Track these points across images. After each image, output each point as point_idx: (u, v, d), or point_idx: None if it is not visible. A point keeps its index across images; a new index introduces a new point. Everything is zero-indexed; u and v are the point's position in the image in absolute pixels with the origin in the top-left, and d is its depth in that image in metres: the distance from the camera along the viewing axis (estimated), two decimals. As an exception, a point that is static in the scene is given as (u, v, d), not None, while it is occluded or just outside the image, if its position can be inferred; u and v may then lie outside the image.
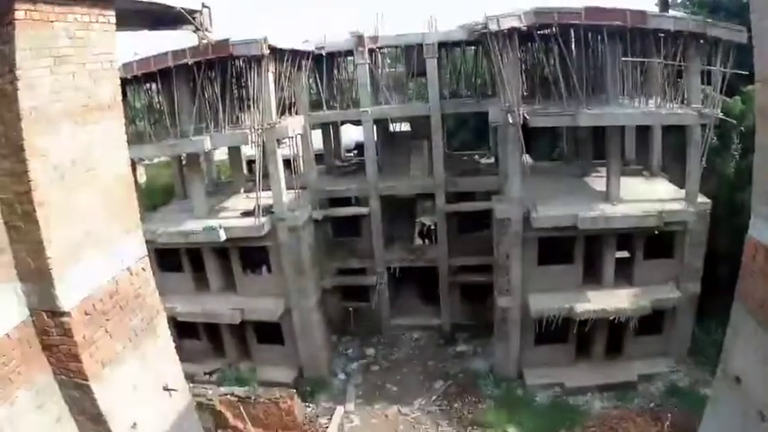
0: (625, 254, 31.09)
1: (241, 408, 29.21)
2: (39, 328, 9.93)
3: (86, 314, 10.14)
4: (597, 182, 33.11)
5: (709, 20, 27.88)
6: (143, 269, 11.94)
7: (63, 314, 9.73)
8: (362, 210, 37.74)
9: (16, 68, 8.67)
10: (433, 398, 32.52)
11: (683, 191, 29.45)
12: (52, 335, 9.89)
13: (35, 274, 9.49)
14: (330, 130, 43.43)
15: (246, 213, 32.40)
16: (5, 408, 9.28)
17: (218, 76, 31.22)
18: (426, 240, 44.01)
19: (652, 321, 30.19)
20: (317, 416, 31.43)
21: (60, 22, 9.56)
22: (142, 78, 30.62)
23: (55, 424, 10.35)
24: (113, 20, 10.88)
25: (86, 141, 10.23)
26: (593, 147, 35.60)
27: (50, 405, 10.26)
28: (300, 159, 35.62)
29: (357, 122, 39.81)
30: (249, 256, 33.37)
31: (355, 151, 52.29)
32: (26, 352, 9.79)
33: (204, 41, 27.19)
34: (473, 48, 39.86)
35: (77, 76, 9.92)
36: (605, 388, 30.51)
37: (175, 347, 13.29)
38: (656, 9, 37.53)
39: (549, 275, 30.46)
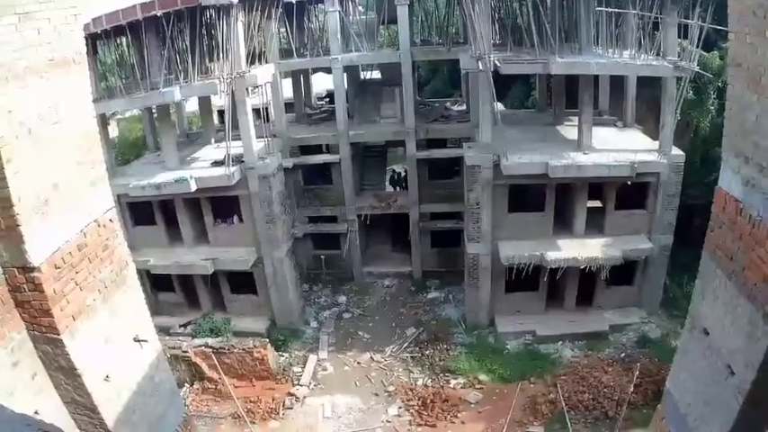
0: (597, 204, 31.41)
1: (215, 358, 29.43)
2: (11, 284, 9.89)
3: (56, 268, 10.12)
4: (570, 131, 33.30)
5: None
6: (110, 221, 11.89)
7: (33, 269, 9.68)
8: (333, 157, 37.92)
9: (-20, 27, 8.62)
10: (405, 345, 33.09)
11: (657, 143, 29.60)
12: (24, 291, 9.87)
13: (4, 232, 9.46)
14: (300, 79, 43.46)
15: (217, 163, 32.46)
16: (-18, 366, 9.34)
17: (188, 26, 30.92)
18: (397, 188, 44.17)
19: (624, 272, 30.81)
20: (291, 364, 32.12)
21: (23, -23, 9.41)
22: (112, 32, 30.24)
23: (31, 381, 10.37)
24: (78, -26, 10.77)
25: (52, 96, 10.13)
26: (566, 96, 35.71)
27: (26, 362, 10.27)
28: (270, 108, 35.50)
29: (328, 71, 39.76)
30: (221, 206, 33.52)
31: (326, 99, 52.16)
32: (0, 310, 9.82)
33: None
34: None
35: (42, 32, 9.84)
36: (577, 337, 31.07)
37: (151, 301, 13.40)
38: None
39: (520, 223, 30.84)
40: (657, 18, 27.79)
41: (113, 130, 49.97)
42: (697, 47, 27.25)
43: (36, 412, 9.60)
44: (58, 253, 10.18)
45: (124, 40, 33.73)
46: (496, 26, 34.64)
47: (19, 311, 10.16)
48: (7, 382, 9.74)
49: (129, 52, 34.24)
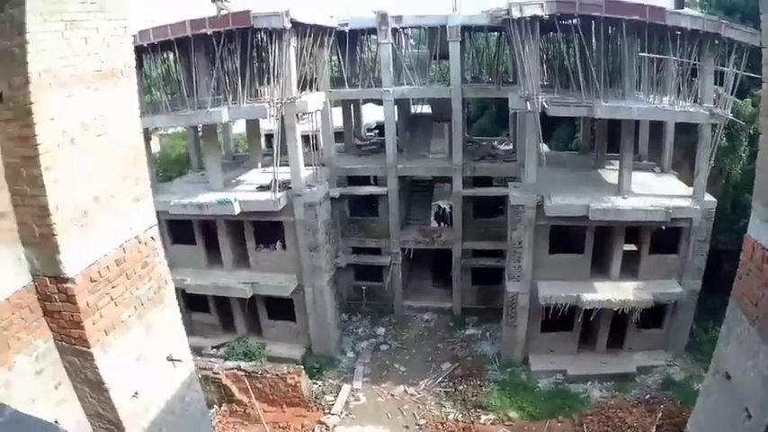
0: (632, 247, 31.18)
1: (247, 382, 29.32)
2: (41, 293, 9.84)
3: (91, 281, 10.04)
4: (610, 174, 33.32)
5: (725, 21, 27.77)
6: (152, 238, 11.84)
7: (66, 280, 9.61)
8: (380, 190, 37.70)
9: (26, 32, 8.56)
10: (440, 379, 32.71)
11: (691, 188, 29.55)
12: (54, 301, 9.80)
13: (39, 240, 9.40)
14: (351, 109, 43.54)
15: (262, 188, 32.52)
16: (3, 372, 9.21)
17: (239, 47, 31.00)
18: (442, 223, 44.06)
19: (653, 315, 30.55)
20: (324, 393, 31.88)
21: (72, -14, 9.39)
22: (159, 47, 30.45)
23: (53, 390, 10.30)
24: (128, -15, 10.77)
25: (98, 107, 10.10)
26: (607, 139, 35.57)
27: (50, 371, 10.20)
28: (320, 136, 35.57)
29: (378, 102, 39.79)
30: (263, 231, 33.45)
31: (376, 131, 52.20)
32: (26, 317, 9.72)
33: (223, 12, 27.12)
34: (496, 34, 39.60)
35: (90, 41, 9.81)
36: (605, 378, 30.90)
37: (185, 321, 13.26)
38: (672, 6, 37.37)
39: (559, 264, 30.69)
40: (695, 65, 27.66)
41: (155, 146, 50.25)
42: (731, 94, 27.26)
43: (56, 422, 9.49)
44: (95, 266, 10.11)
45: (171, 55, 33.90)
46: (544, 67, 34.54)
47: (47, 320, 10.08)
48: (29, 390, 9.66)
49: (175, 68, 34.38)
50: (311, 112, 32.52)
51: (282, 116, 30.62)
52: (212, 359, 31.84)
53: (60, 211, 9.27)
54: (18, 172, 9.16)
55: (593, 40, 29.12)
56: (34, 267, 9.71)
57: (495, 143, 43.56)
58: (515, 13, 26.96)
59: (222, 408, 29.85)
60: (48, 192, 9.03)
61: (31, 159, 8.93)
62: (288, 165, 31.50)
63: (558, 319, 30.38)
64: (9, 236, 9.46)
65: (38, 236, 9.35)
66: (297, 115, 31.19)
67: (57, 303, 9.81)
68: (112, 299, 10.59)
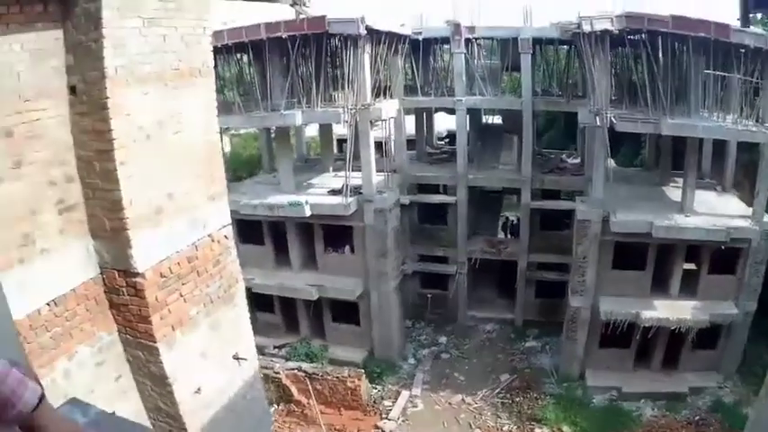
0: (691, 266, 30.86)
1: (308, 383, 29.45)
2: (108, 286, 9.97)
3: (162, 277, 10.14)
4: (673, 192, 33.09)
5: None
6: (225, 237, 11.95)
7: (136, 275, 9.71)
8: (450, 198, 37.73)
9: (102, 26, 8.68)
10: (497, 390, 32.68)
11: (751, 209, 29.13)
12: (122, 294, 9.92)
13: (110, 233, 9.52)
14: (423, 117, 43.69)
15: (334, 192, 32.69)
16: (63, 361, 9.36)
17: (313, 52, 31.19)
18: (509, 235, 43.91)
19: (708, 336, 30.13)
20: (382, 398, 32.05)
21: (150, -17, 9.54)
22: (233, 48, 30.85)
23: (114, 382, 10.42)
24: (207, -16, 10.91)
25: (175, 105, 10.23)
26: (672, 156, 35.18)
27: (111, 363, 10.33)
28: (392, 143, 35.65)
29: (450, 111, 39.83)
30: (332, 234, 33.62)
31: (447, 140, 52.14)
32: (91, 308, 9.85)
33: (301, 16, 27.30)
34: (566, 47, 39.40)
35: (168, 39, 9.93)
36: (658, 397, 30.63)
37: (250, 320, 13.36)
38: (738, 24, 36.81)
39: (621, 280, 30.47)
40: (758, 83, 27.22)
41: (226, 146, 50.83)
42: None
43: (113, 413, 9.70)
44: (166, 262, 10.23)
45: (245, 57, 34.23)
46: (613, 81, 34.35)
47: (113, 313, 10.22)
48: (88, 380, 9.79)
49: (249, 70, 34.71)
50: (385, 119, 32.62)
51: (356, 122, 30.76)
52: (274, 359, 32.09)
53: (133, 207, 9.39)
54: (91, 165, 9.30)
55: (660, 56, 28.85)
56: (103, 260, 9.84)
57: (564, 156, 43.36)
58: (585, 28, 26.98)
59: (280, 407, 30.10)
60: (121, 186, 9.16)
61: (106, 153, 9.07)
62: (360, 170, 31.62)
63: (616, 336, 30.16)
64: (79, 228, 9.61)
65: (109, 229, 9.48)
66: (370, 122, 31.32)
67: (124, 297, 9.93)
68: (182, 295, 10.70)
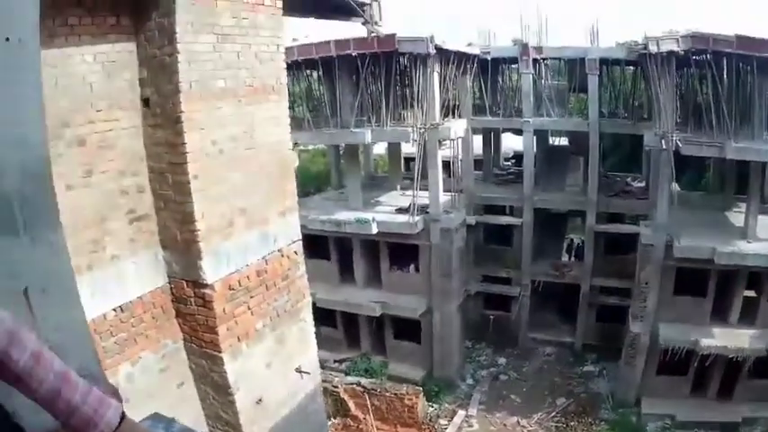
0: (751, 293, 30.22)
1: (366, 398, 29.51)
2: (176, 295, 10.16)
3: (230, 289, 10.30)
4: (737, 217, 32.26)
5: None
6: (295, 252, 12.10)
7: (205, 286, 9.88)
8: (516, 220, 37.68)
9: (176, 41, 8.89)
10: (552, 414, 32.43)
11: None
12: (190, 304, 10.09)
13: (181, 244, 9.70)
14: (491, 137, 43.45)
15: (401, 210, 32.76)
16: (126, 366, 9.55)
17: (383, 70, 31.35)
18: (573, 257, 43.62)
19: (765, 365, 29.29)
20: (438, 416, 31.99)
21: (224, 1, 9.77)
22: (303, 64, 31.06)
23: (175, 389, 10.58)
24: (280, 4, 11.06)
25: (249, 121, 10.41)
26: (736, 181, 34.68)
27: (174, 370, 10.52)
28: (459, 163, 35.66)
29: (517, 131, 39.72)
30: (397, 252, 33.68)
31: (513, 160, 51.99)
32: (158, 316, 10.04)
33: (372, 34, 27.49)
34: (632, 67, 39.11)
35: (242, 56, 10.13)
36: (711, 426, 29.95)
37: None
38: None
39: (681, 306, 29.94)
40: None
41: (295, 161, 51.20)
42: None
43: (173, 419, 9.82)
44: (236, 275, 10.40)
45: (315, 73, 34.50)
46: (678, 103, 34.04)
47: (179, 322, 10.41)
48: (151, 385, 9.96)
49: (318, 86, 34.99)
50: (453, 139, 32.70)
51: (425, 141, 30.85)
52: (333, 372, 32.17)
53: (205, 219, 9.58)
54: (164, 177, 9.51)
55: (725, 78, 28.57)
56: (172, 270, 10.03)
57: (629, 180, 43.00)
58: (652, 48, 26.74)
59: (336, 421, 30.17)
60: (194, 199, 9.34)
61: (179, 166, 9.27)
62: (427, 189, 31.69)
63: (673, 362, 29.71)
64: (149, 237, 9.83)
65: (180, 240, 9.67)
66: (439, 141, 31.39)
67: (192, 307, 10.11)
68: (249, 308, 10.86)
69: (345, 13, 12.40)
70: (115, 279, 9.29)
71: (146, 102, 9.50)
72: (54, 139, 8.00)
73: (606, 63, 37.02)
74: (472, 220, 36.65)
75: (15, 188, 2.43)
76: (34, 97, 2.59)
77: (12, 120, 2.45)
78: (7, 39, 2.39)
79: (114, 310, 9.32)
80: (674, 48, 26.56)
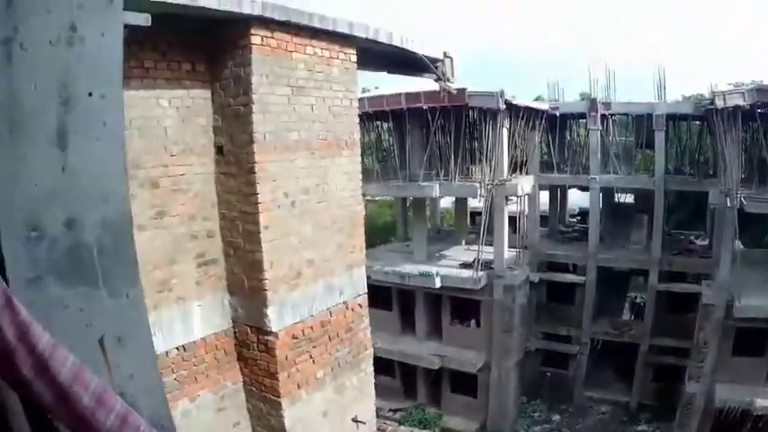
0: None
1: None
2: (239, 340, 10.29)
3: (293, 338, 10.40)
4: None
5: None
6: (360, 305, 12.18)
7: (269, 333, 10.00)
8: (579, 278, 37.14)
9: (251, 92, 9.09)
10: (605, 472, 31.56)
11: None
12: (252, 349, 10.20)
13: (247, 291, 9.83)
14: (557, 192, 43.23)
15: (465, 265, 32.69)
16: (185, 402, 9.69)
17: (452, 124, 31.47)
18: (632, 316, 43.16)
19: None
20: (488, 469, 31.41)
21: (299, 54, 10.01)
22: (373, 115, 31.37)
23: (231, 428, 10.67)
24: (354, 58, 11.29)
25: (321, 174, 10.58)
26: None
27: (231, 410, 10.61)
28: (525, 219, 35.58)
29: (583, 188, 39.52)
30: (459, 306, 33.48)
31: (578, 217, 51.74)
32: (219, 358, 10.18)
33: (444, 93, 27.66)
34: (698, 122, 38.76)
35: (316, 109, 10.30)
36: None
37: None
38: None
39: (738, 366, 29.21)
40: None
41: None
42: None
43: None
44: (300, 324, 10.50)
45: (385, 124, 34.72)
46: (743, 159, 33.66)
47: (240, 365, 10.52)
48: (207, 423, 10.08)
49: (388, 138, 35.18)
50: (520, 195, 32.67)
51: (492, 197, 30.85)
52: (387, 421, 32.08)
53: (273, 269, 9.70)
54: (234, 224, 9.68)
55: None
56: (237, 315, 10.16)
57: (693, 238, 42.52)
58: (719, 103, 26.51)
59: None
60: (263, 249, 9.49)
61: (250, 215, 9.44)
62: (491, 244, 31.64)
63: (727, 424, 29.15)
64: (216, 282, 9.98)
65: (247, 287, 9.80)
66: (506, 197, 31.38)
67: (254, 352, 10.22)
68: (311, 357, 10.95)
69: (419, 69, 12.49)
70: (180, 319, 9.45)
71: (219, 149, 9.70)
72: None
73: (673, 118, 36.75)
74: (535, 277, 36.43)
75: (95, 240, 2.52)
76: (116, 153, 2.68)
77: (94, 175, 2.53)
78: (90, 94, 2.48)
79: (177, 348, 9.49)
80: (740, 102, 26.30)
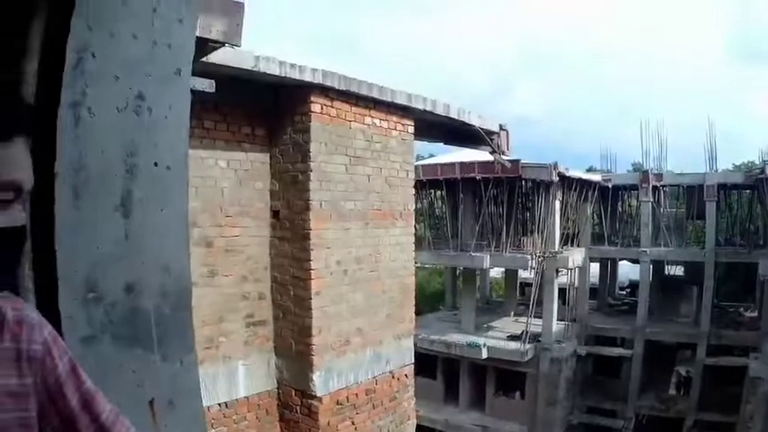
0: None
1: None
2: (283, 401, 10.27)
3: (337, 404, 10.35)
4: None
5: None
6: (406, 375, 12.14)
7: (313, 397, 9.93)
8: (626, 352, 36.72)
9: (310, 159, 9.23)
10: None
11: None
12: (295, 412, 10.16)
13: (294, 355, 9.83)
14: (608, 265, 42.93)
15: (513, 337, 32.54)
16: (220, 458, 9.67)
17: (505, 195, 31.56)
18: (680, 390, 42.46)
19: None
20: None
21: (358, 123, 10.13)
22: (426, 183, 31.52)
23: (264, 484, 10.65)
24: (412, 129, 11.43)
25: (374, 243, 10.65)
26: None
27: (268, 468, 10.58)
28: (575, 291, 35.40)
29: (634, 260, 39.27)
30: (504, 376, 33.23)
31: (628, 289, 51.35)
32: (261, 417, 10.14)
33: (498, 164, 27.82)
34: (748, 191, 38.44)
35: (372, 179, 10.41)
36: None
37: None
38: None
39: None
40: None
41: (413, 280, 51.39)
42: None
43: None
44: (344, 391, 10.46)
45: (437, 192, 34.85)
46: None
47: (281, 425, 10.48)
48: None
49: (442, 206, 35.28)
50: (570, 268, 32.54)
51: (543, 269, 30.77)
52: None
53: (322, 335, 9.73)
54: (285, 289, 9.74)
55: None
56: (282, 376, 10.17)
57: (741, 309, 41.93)
58: (769, 171, 26.40)
59: None
60: (313, 315, 9.53)
61: (302, 281, 9.51)
62: (540, 316, 31.48)
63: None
64: (263, 343, 10.03)
65: (294, 351, 9.82)
66: (557, 270, 31.29)
67: (297, 414, 10.20)
68: (353, 423, 10.87)
69: (474, 141, 12.57)
70: (225, 376, 9.50)
71: (275, 213, 9.81)
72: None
73: (724, 188, 36.59)
74: (583, 350, 36.03)
75: (153, 307, 2.57)
76: (179, 225, 2.73)
77: (155, 244, 2.58)
78: (156, 164, 2.54)
79: (219, 404, 9.49)
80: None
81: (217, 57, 6.99)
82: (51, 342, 1.70)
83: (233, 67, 8.03)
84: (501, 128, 13.87)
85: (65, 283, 2.23)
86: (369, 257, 10.53)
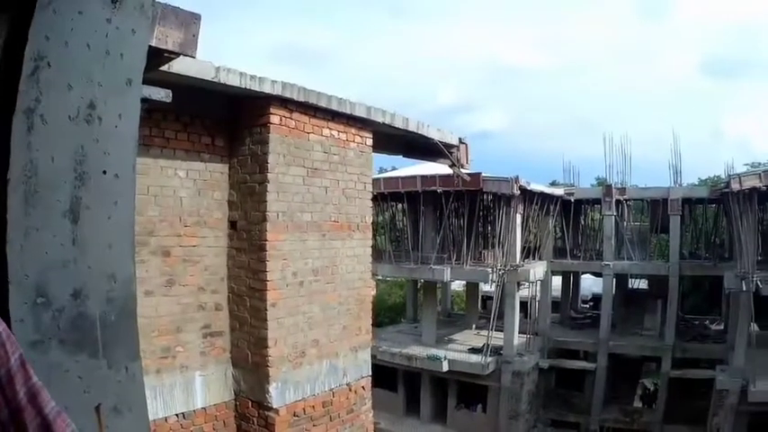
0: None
1: None
2: (240, 412, 10.23)
3: (294, 415, 10.31)
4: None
5: None
6: (363, 388, 12.12)
7: (270, 409, 9.90)
8: (589, 365, 36.99)
9: (267, 171, 9.25)
10: None
11: None
12: (252, 423, 10.14)
13: (251, 366, 9.82)
14: (570, 278, 43.18)
15: (474, 350, 32.64)
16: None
17: (466, 208, 31.71)
18: (645, 403, 42.73)
19: None
20: None
21: (316, 135, 10.16)
22: (387, 195, 31.59)
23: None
24: (370, 142, 11.47)
25: (331, 255, 10.66)
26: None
27: (230, 483, 10.56)
28: (537, 304, 35.58)
29: (596, 273, 39.51)
30: (465, 390, 33.31)
31: (591, 302, 51.62)
32: (219, 429, 10.05)
33: (459, 177, 27.96)
34: (714, 205, 38.82)
35: (330, 191, 10.44)
36: None
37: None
38: None
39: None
40: None
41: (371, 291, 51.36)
42: None
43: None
44: (301, 403, 10.45)
45: (398, 205, 34.95)
46: (759, 240, 33.59)
47: (239, 439, 10.48)
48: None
49: (402, 218, 35.38)
50: (532, 281, 32.71)
51: (504, 282, 30.90)
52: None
53: (278, 346, 9.73)
54: (242, 299, 9.75)
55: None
56: (239, 388, 10.17)
57: (707, 322, 42.27)
58: (734, 186, 26.66)
59: None
60: (269, 326, 9.52)
61: (258, 292, 9.51)
62: (502, 329, 31.60)
63: None
64: (220, 354, 10.01)
65: (250, 362, 9.82)
66: (518, 283, 31.43)
67: (254, 426, 10.18)
68: (311, 436, 10.90)
69: (434, 154, 12.65)
70: (182, 387, 9.45)
71: (233, 224, 9.83)
72: (138, 246, 8.23)
73: (689, 202, 36.95)
74: (545, 363, 36.22)
75: (99, 314, 2.61)
76: (126, 233, 2.78)
77: (102, 251, 2.63)
78: (104, 172, 2.58)
79: (177, 415, 9.45)
80: (757, 184, 26.42)
81: (178, 66, 7.04)
82: (5, 337, 1.79)
83: (194, 78, 8.05)
84: (460, 141, 13.95)
85: (16, 287, 2.28)
86: (325, 269, 10.55)
